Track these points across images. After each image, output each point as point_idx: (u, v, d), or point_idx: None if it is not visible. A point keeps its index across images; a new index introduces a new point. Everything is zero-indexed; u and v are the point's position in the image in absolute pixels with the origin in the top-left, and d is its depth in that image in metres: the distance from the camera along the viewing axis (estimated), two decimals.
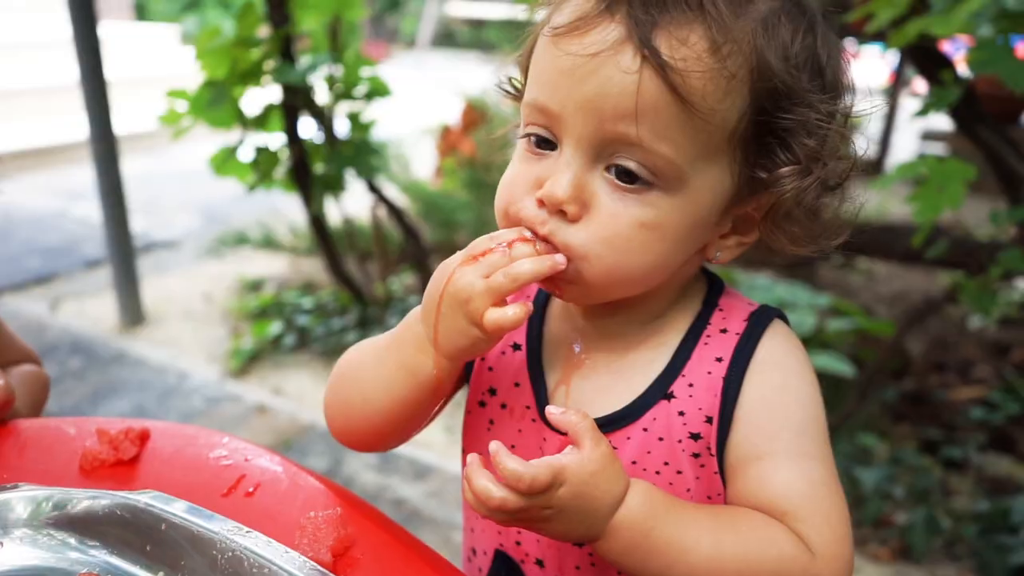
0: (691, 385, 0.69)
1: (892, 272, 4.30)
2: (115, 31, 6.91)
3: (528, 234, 0.64)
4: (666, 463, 0.70)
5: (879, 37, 1.97)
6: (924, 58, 1.85)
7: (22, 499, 0.69)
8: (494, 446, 0.59)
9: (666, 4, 0.59)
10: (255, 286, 3.93)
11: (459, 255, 0.65)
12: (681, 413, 0.69)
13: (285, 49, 2.77)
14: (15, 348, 1.07)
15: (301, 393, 2.98)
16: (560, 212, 0.63)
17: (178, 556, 0.64)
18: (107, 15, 3.86)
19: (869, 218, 4.78)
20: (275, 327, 3.34)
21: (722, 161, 0.62)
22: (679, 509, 0.63)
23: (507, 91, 0.75)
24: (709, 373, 0.69)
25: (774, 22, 0.61)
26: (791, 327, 0.74)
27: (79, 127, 3.16)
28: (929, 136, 6.31)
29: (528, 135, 0.66)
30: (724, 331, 0.71)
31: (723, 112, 0.60)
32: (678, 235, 0.64)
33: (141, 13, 11.66)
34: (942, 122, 2.33)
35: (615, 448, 0.68)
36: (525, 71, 0.69)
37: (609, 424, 0.71)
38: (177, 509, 0.66)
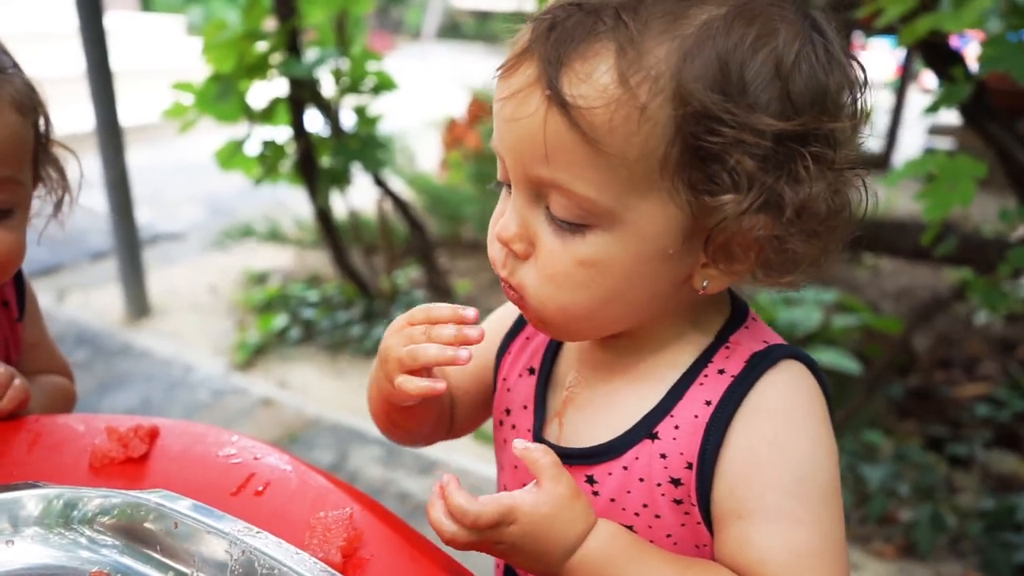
0: (677, 427, 0.65)
1: (898, 267, 4.29)
2: (121, 22, 6.90)
3: (470, 312, 0.66)
4: (645, 505, 0.67)
5: (888, 30, 1.95)
6: (934, 54, 1.83)
7: (33, 497, 0.69)
8: (445, 478, 0.61)
9: (575, 39, 0.56)
10: (260, 279, 3.94)
11: (404, 317, 0.70)
12: (663, 455, 0.65)
13: (291, 43, 2.77)
14: (51, 359, 1.08)
15: (306, 386, 2.98)
16: (512, 251, 0.64)
17: (189, 556, 0.64)
18: (113, 5, 3.86)
19: (876, 214, 4.76)
20: (280, 320, 3.35)
21: (660, 193, 0.58)
22: (645, 556, 0.61)
23: None
24: (696, 416, 0.64)
25: (708, 35, 0.56)
26: (814, 368, 0.66)
27: (85, 118, 3.16)
28: (937, 130, 6.28)
29: (499, 178, 0.68)
30: (721, 372, 0.65)
31: (640, 143, 0.56)
32: (625, 270, 0.60)
33: (147, 4, 11.65)
34: (950, 116, 2.32)
35: (596, 483, 0.69)
36: None
37: (592, 457, 0.69)
38: (187, 508, 0.66)
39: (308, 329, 3.34)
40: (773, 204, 0.57)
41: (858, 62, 0.62)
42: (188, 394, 2.90)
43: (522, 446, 0.61)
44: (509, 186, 0.65)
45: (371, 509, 0.70)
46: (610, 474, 0.68)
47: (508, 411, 0.79)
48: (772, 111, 0.56)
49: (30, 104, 0.90)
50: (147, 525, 0.66)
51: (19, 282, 1.03)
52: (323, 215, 3.17)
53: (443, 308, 0.68)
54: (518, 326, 0.81)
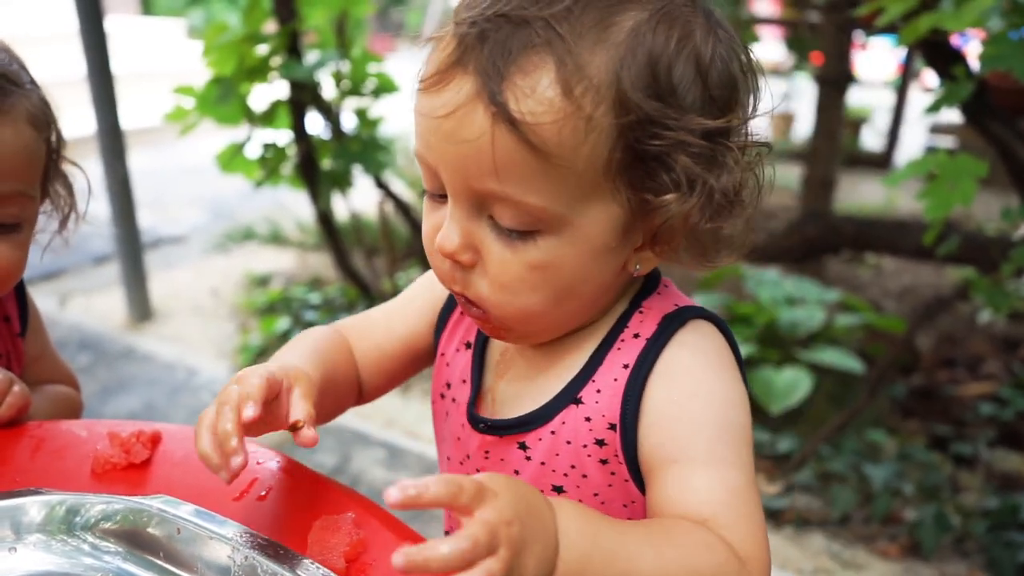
0: (599, 391, 0.69)
1: (900, 267, 4.28)
2: (122, 25, 6.91)
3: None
4: (572, 466, 0.70)
5: (889, 29, 1.95)
6: (935, 53, 1.83)
7: (36, 504, 0.69)
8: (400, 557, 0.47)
9: (512, 52, 0.56)
10: (262, 282, 3.94)
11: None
12: (588, 419, 0.68)
13: (292, 45, 2.77)
14: (55, 370, 1.10)
15: None
16: (457, 262, 0.64)
17: (191, 561, 0.64)
18: (113, 9, 3.86)
19: (877, 210, 4.76)
20: (283, 322, 3.35)
21: (604, 194, 0.60)
22: (610, 521, 0.58)
23: None
24: (615, 380, 0.68)
25: (638, 41, 0.57)
26: (721, 326, 0.70)
27: (86, 122, 3.16)
28: (938, 129, 6.28)
29: (425, 189, 0.67)
30: (636, 335, 0.69)
31: (587, 152, 0.57)
32: (575, 268, 0.63)
33: (147, 7, 11.66)
34: (952, 115, 2.31)
35: (527, 448, 0.72)
36: None
37: (523, 425, 0.72)
38: (189, 514, 0.66)
39: None
40: (708, 193, 0.60)
41: (747, 49, 0.65)
42: (192, 397, 2.90)
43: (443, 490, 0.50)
44: (438, 195, 0.65)
45: (374, 513, 0.70)
46: (540, 439, 0.71)
47: (448, 384, 0.81)
48: (699, 109, 0.59)
49: (44, 120, 0.90)
50: (150, 531, 0.66)
51: (20, 295, 1.03)
52: (324, 217, 3.17)
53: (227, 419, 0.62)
54: (453, 300, 0.82)
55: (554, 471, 0.71)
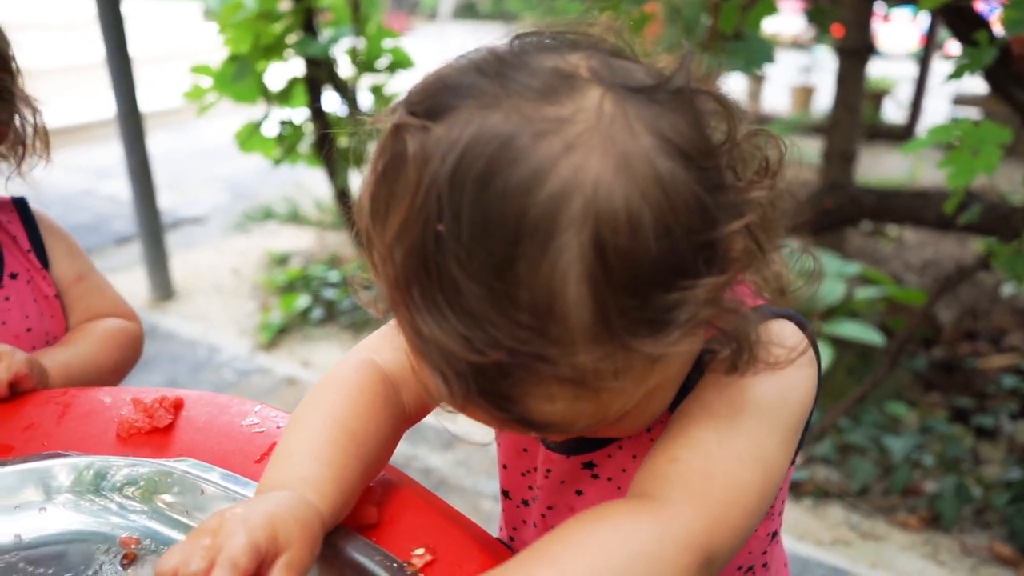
0: None
1: (923, 239, 4.24)
2: (139, 8, 6.93)
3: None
4: None
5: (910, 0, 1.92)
6: (957, 19, 1.80)
7: (64, 467, 0.70)
8: None
9: (507, 392, 0.48)
10: (282, 260, 3.97)
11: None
12: (649, 430, 0.64)
13: (307, 22, 2.77)
14: (103, 296, 1.11)
15: (329, 365, 3.00)
16: None
17: None
18: None
19: (899, 184, 4.70)
20: (303, 300, 3.38)
21: (664, 361, 0.51)
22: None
23: None
24: None
25: (603, 273, 0.45)
26: (797, 320, 0.63)
27: (105, 105, 3.19)
28: (962, 100, 6.18)
29: None
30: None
31: (633, 373, 0.50)
32: (670, 389, 0.58)
33: None
34: (976, 85, 2.27)
35: (595, 466, 0.68)
36: None
37: (595, 442, 0.68)
38: (214, 477, 0.68)
39: (330, 309, 3.37)
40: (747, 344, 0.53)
41: (696, 91, 0.51)
42: (214, 374, 2.94)
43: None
44: None
45: (394, 475, 0.71)
46: (609, 456, 0.68)
47: None
48: (702, 265, 0.48)
49: None
50: (175, 491, 0.67)
51: (26, 218, 1.06)
52: (342, 195, 3.18)
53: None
54: None
55: (619, 488, 0.67)
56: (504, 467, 0.78)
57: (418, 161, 0.47)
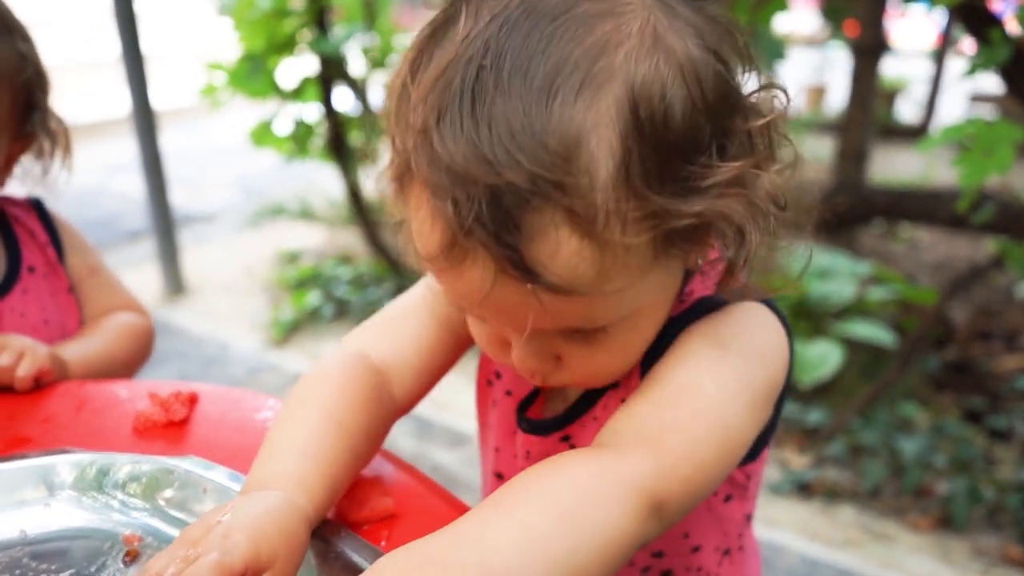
0: (630, 373, 0.66)
1: (936, 239, 4.21)
2: (152, 6, 6.97)
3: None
4: None
5: None
6: (971, 17, 1.79)
7: (67, 463, 0.70)
8: None
9: (517, 225, 0.48)
10: (293, 257, 3.98)
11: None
12: (623, 400, 0.65)
13: (319, 19, 2.78)
14: (113, 292, 1.14)
15: None
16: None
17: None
18: None
19: (913, 183, 4.68)
20: (314, 297, 3.39)
21: (660, 269, 0.55)
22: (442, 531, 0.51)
23: None
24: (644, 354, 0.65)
25: (628, 133, 0.48)
26: (775, 308, 0.65)
27: (119, 102, 3.21)
28: (978, 98, 6.14)
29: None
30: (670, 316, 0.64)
31: (636, 265, 0.52)
32: (652, 327, 0.61)
33: None
34: (991, 84, 2.26)
35: (570, 438, 0.70)
36: None
37: (567, 420, 0.70)
38: (216, 475, 0.67)
39: (341, 306, 3.38)
40: (762, 228, 0.55)
41: (731, 25, 0.55)
42: (225, 371, 2.95)
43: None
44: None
45: (406, 471, 0.71)
46: (584, 427, 0.70)
47: (498, 374, 0.78)
48: (710, 146, 0.51)
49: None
50: (176, 488, 0.67)
51: (43, 215, 1.09)
52: (354, 193, 3.19)
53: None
54: None
55: None
56: (497, 450, 0.80)
57: (471, 13, 0.51)
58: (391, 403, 0.70)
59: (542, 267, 0.50)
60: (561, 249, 0.49)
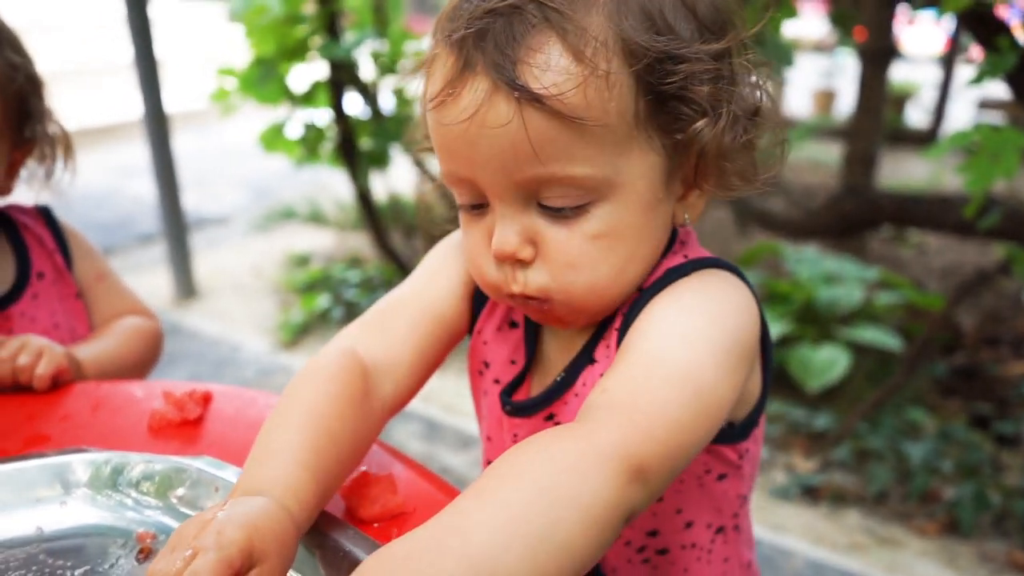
0: (608, 347, 0.68)
1: (944, 245, 4.21)
2: (165, 10, 7.02)
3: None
4: None
5: (932, 2, 1.91)
6: (979, 24, 1.79)
7: (82, 462, 0.72)
8: None
9: (515, 35, 0.57)
10: (303, 260, 4.01)
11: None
12: (601, 375, 0.66)
13: (331, 25, 2.81)
14: (122, 297, 1.16)
15: None
16: (518, 261, 0.64)
17: None
18: None
19: (921, 189, 4.67)
20: (323, 300, 3.41)
21: (641, 145, 0.61)
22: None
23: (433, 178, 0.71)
24: (617, 330, 0.67)
25: None
26: (736, 272, 0.69)
27: (132, 106, 3.25)
28: (987, 104, 6.11)
29: (461, 204, 0.67)
30: (641, 290, 0.67)
31: (615, 107, 0.58)
32: (633, 228, 0.63)
33: None
34: (1000, 90, 2.26)
35: (554, 417, 0.72)
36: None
37: (548, 398, 0.72)
38: (230, 475, 0.68)
39: (350, 309, 3.40)
40: (732, 116, 0.62)
41: None
42: (236, 372, 2.98)
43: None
44: (475, 207, 0.65)
45: (416, 471, 0.73)
46: (566, 404, 0.71)
47: (487, 364, 0.80)
48: (698, 39, 0.61)
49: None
50: (188, 488, 0.68)
51: (50, 221, 1.11)
52: (363, 197, 3.22)
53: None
54: None
55: None
56: (489, 439, 0.82)
57: None
58: (380, 402, 0.71)
59: (532, 78, 0.56)
60: (552, 64, 0.57)
